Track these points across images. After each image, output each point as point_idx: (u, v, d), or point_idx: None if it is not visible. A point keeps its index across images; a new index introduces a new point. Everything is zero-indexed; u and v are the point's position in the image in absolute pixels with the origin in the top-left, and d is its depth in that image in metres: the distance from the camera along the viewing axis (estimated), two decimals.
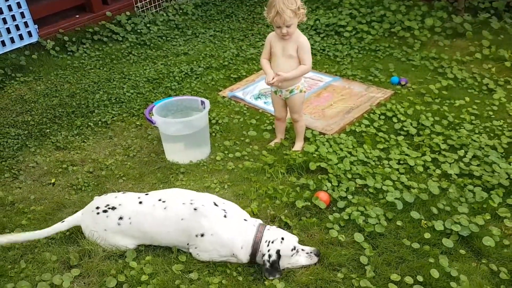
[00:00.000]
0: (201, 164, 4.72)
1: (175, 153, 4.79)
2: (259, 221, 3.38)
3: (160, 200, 3.35)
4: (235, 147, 5.02)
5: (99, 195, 3.92)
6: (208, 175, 4.53)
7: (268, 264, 3.14)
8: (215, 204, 3.29)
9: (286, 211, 3.88)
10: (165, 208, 3.31)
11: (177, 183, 4.39)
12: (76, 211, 3.82)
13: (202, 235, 3.24)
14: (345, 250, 3.45)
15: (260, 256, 3.19)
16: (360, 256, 3.35)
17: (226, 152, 4.90)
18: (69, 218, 3.55)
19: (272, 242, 3.17)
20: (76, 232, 3.61)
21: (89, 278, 3.30)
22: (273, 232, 3.24)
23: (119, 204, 3.40)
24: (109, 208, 3.39)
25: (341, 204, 3.90)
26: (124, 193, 3.52)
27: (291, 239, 3.24)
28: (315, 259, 3.26)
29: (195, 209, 3.26)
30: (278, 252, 3.15)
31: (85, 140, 5.37)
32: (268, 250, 3.14)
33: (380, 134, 5.00)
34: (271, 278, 3.13)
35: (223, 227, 3.16)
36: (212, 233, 3.21)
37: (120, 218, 3.36)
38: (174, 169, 4.65)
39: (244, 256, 3.23)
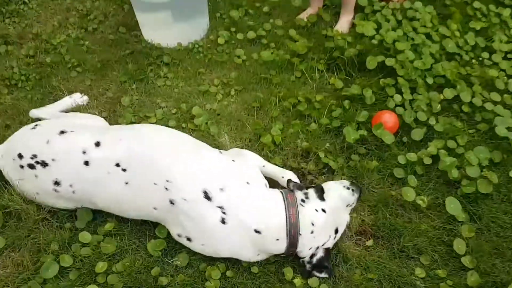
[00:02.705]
0: (195, 49, 3.11)
1: (156, 29, 3.13)
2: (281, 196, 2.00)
3: (118, 165, 1.93)
4: (247, 20, 3.30)
5: (37, 108, 2.56)
6: (205, 69, 2.96)
7: (308, 266, 1.97)
8: (207, 197, 1.86)
9: (327, 144, 2.43)
10: (126, 184, 1.93)
11: (159, 83, 2.87)
12: (7, 126, 2.48)
13: (188, 239, 1.98)
14: (426, 224, 2.12)
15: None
16: (454, 238, 2.04)
17: (232, 29, 3.21)
18: None
19: (323, 245, 1.98)
20: None
21: (19, 253, 2.07)
22: (320, 233, 1.94)
23: (52, 160, 1.98)
24: (37, 163, 1.99)
25: (417, 134, 2.43)
26: (63, 134, 2.04)
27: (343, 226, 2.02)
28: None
29: (171, 202, 1.89)
30: (327, 250, 1.97)
31: (25, 1, 3.62)
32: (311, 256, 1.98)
33: (475, 4, 3.19)
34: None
35: (220, 239, 1.93)
36: (203, 243, 1.96)
37: (57, 183, 1.99)
38: (153, 56, 3.05)
39: (262, 257, 2.02)
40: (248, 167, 2.09)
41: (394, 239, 2.09)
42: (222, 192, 1.87)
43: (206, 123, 2.56)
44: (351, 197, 2.03)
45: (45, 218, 2.16)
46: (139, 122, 2.58)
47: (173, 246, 2.09)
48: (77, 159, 1.95)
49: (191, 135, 2.54)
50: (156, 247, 2.07)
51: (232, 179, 1.94)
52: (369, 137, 2.43)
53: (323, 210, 1.92)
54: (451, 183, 2.26)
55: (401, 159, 2.32)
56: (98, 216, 2.17)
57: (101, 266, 1.99)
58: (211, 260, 2.05)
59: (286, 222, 1.87)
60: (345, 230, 2.06)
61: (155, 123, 2.57)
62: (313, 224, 1.89)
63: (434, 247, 2.07)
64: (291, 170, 2.28)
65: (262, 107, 2.67)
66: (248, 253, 1.93)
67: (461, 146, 2.36)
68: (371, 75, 2.75)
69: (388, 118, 2.45)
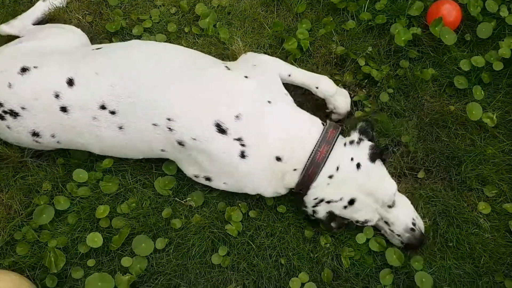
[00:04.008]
0: None
1: None
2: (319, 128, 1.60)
3: (104, 108, 1.51)
4: None
5: (6, 23, 2.03)
6: None
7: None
8: (221, 130, 1.49)
9: (369, 48, 1.93)
10: (121, 128, 1.54)
11: None
12: None
13: (208, 179, 1.64)
14: (492, 147, 1.72)
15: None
16: None
17: None
18: None
19: (329, 203, 1.59)
20: None
21: (7, 194, 1.79)
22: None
23: (22, 108, 1.56)
24: (5, 113, 1.58)
25: (484, 29, 1.90)
26: (25, 74, 1.55)
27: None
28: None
29: (180, 143, 1.52)
30: (330, 213, 1.60)
31: None
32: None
33: None
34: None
35: (242, 176, 1.60)
36: (225, 181, 1.61)
37: (35, 134, 1.61)
38: None
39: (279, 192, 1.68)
40: (267, 80, 1.64)
41: (452, 168, 1.72)
42: (238, 120, 1.49)
43: (214, 26, 2.05)
44: (402, 230, 1.59)
45: (27, 154, 1.83)
46: (131, 27, 2.08)
47: (185, 183, 1.77)
48: (51, 107, 1.54)
49: (196, 42, 2.06)
50: (165, 185, 1.75)
51: (248, 102, 1.53)
52: (424, 36, 1.91)
53: (358, 165, 1.52)
54: None
55: (464, 65, 1.83)
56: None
57: (102, 211, 1.70)
58: (231, 198, 1.74)
59: (309, 156, 1.51)
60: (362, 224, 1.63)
61: (151, 28, 2.07)
62: (337, 169, 1.52)
63: (502, 176, 1.70)
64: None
65: (284, 0, 2.11)
66: (270, 188, 1.61)
67: None
68: None
69: (449, 10, 1.90)
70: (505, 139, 1.75)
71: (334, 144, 1.52)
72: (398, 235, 1.59)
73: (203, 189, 1.75)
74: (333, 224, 1.60)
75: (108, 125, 1.52)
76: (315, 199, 1.56)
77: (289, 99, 1.66)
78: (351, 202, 1.54)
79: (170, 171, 1.76)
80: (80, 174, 1.78)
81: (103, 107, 1.50)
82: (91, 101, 1.50)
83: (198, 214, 1.72)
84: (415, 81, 1.85)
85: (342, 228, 1.61)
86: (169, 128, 1.49)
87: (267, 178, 1.58)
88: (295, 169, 1.54)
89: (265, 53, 2.00)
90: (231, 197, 1.74)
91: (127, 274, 1.59)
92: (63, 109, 1.52)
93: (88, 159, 1.83)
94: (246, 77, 1.60)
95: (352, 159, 1.52)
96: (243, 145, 1.49)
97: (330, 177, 1.52)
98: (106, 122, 1.51)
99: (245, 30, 2.07)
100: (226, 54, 2.02)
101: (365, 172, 1.52)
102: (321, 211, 1.58)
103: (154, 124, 1.50)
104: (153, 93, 1.51)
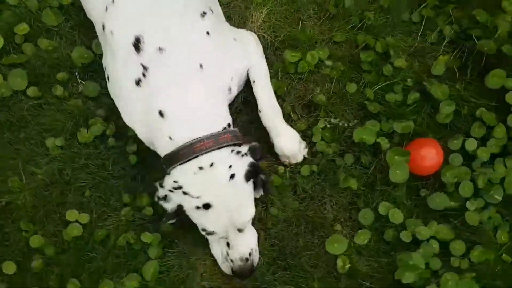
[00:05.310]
0: None
1: None
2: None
3: None
4: None
5: None
6: None
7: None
8: (136, 46, 1.41)
9: (337, 119, 1.74)
10: None
11: None
12: None
13: (108, 78, 1.58)
14: None
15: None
16: None
17: None
18: None
19: (185, 194, 1.44)
20: None
21: None
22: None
23: None
24: None
25: (439, 200, 1.66)
26: None
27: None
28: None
29: (103, 26, 1.51)
30: (180, 207, 1.46)
31: None
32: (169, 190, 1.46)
33: None
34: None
35: (125, 100, 1.53)
36: (113, 93, 1.59)
37: None
38: None
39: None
40: (225, 57, 1.52)
41: None
42: (158, 52, 1.40)
43: None
44: (237, 257, 1.54)
45: None
46: None
47: (101, 70, 1.67)
48: None
49: None
50: (82, 57, 1.77)
51: (183, 48, 1.43)
52: (386, 152, 1.69)
53: (232, 176, 1.40)
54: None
55: (382, 207, 1.64)
56: None
57: (22, 28, 1.77)
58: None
59: (191, 140, 1.39)
60: None
61: None
62: (210, 166, 1.39)
63: None
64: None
65: (339, 15, 1.87)
66: (142, 133, 1.54)
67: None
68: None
69: (431, 155, 1.65)
70: None
71: (220, 148, 1.40)
72: (232, 261, 1.54)
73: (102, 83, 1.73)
74: (171, 221, 1.50)
75: None
76: (175, 182, 1.43)
77: (227, 91, 1.53)
78: (206, 206, 1.42)
79: (98, 50, 1.74)
80: None
81: None
82: None
83: (77, 100, 1.74)
84: (331, 180, 1.71)
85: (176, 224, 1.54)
86: (106, 7, 1.47)
87: (142, 123, 1.50)
88: (170, 138, 1.43)
89: (270, 43, 1.83)
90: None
91: None
92: None
93: None
94: (207, 33, 1.48)
95: (230, 166, 1.41)
96: (144, 74, 1.41)
97: (201, 168, 1.40)
98: None
99: (280, 11, 1.89)
100: (242, 13, 1.88)
101: (234, 187, 1.41)
102: (173, 201, 1.46)
103: None
104: None
